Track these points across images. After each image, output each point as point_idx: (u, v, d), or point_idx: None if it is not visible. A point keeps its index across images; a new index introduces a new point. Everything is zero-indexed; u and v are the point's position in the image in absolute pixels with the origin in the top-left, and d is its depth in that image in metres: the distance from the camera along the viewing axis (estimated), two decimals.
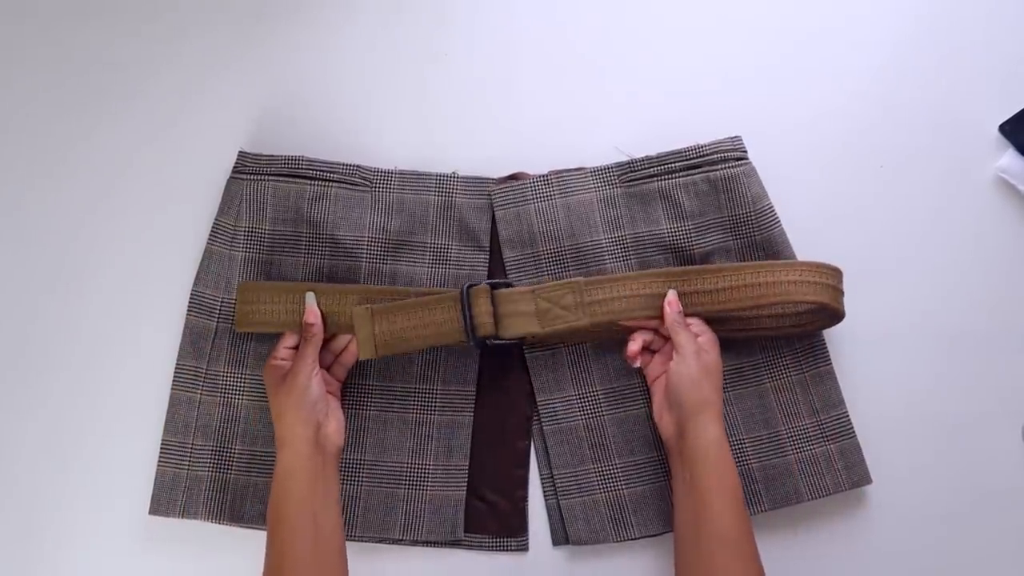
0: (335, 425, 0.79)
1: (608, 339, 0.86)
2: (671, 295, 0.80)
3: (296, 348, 0.82)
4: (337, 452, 0.79)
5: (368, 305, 0.81)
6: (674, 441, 0.78)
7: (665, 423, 0.79)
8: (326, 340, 0.82)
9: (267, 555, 0.75)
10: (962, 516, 0.85)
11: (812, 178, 0.89)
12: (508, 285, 0.84)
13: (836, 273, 0.81)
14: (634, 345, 0.82)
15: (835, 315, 0.82)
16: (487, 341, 0.83)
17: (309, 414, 0.77)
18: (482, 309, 0.81)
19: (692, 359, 0.78)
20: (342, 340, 0.83)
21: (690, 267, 0.82)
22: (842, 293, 0.81)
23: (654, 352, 0.83)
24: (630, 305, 0.81)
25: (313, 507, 0.75)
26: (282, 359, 0.81)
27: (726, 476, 0.75)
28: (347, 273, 0.86)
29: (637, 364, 0.82)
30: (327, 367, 0.83)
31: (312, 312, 0.81)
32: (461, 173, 0.88)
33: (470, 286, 0.82)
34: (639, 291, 0.81)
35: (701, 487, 0.75)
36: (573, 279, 0.81)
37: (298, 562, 0.73)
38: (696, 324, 0.81)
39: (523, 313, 0.82)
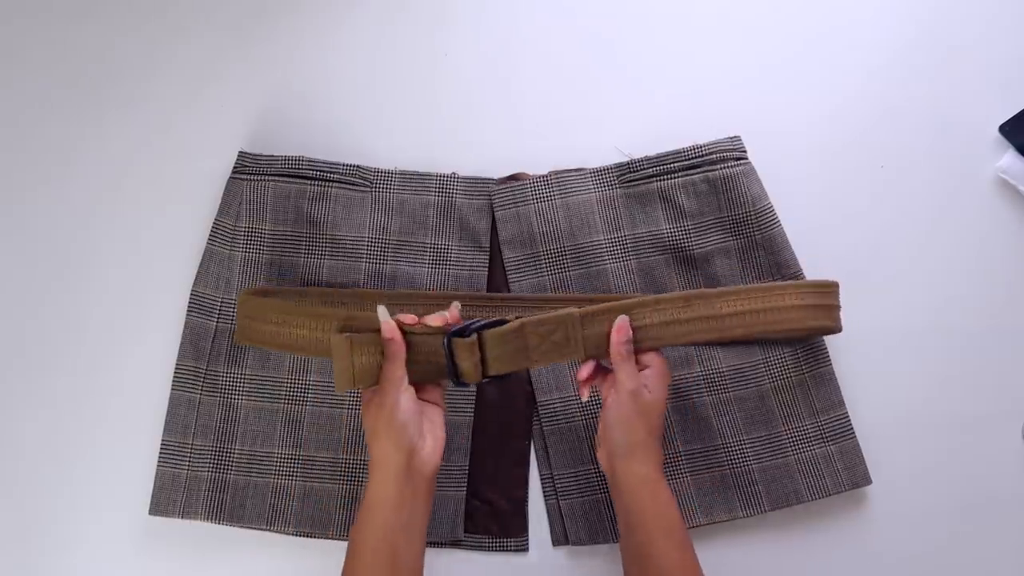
0: (431, 445, 0.72)
1: None
2: (620, 320, 0.74)
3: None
4: (434, 472, 0.73)
5: (348, 334, 0.71)
6: (609, 475, 0.75)
7: (600, 456, 0.76)
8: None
9: None
10: (962, 516, 0.85)
11: (813, 178, 0.89)
12: (501, 322, 0.75)
13: (834, 292, 0.81)
14: (584, 370, 0.76)
15: (832, 331, 0.82)
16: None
17: (400, 437, 0.70)
18: (466, 362, 0.74)
19: (627, 398, 0.73)
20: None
21: (689, 292, 0.76)
22: (839, 308, 0.81)
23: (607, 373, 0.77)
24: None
25: (395, 539, 0.69)
26: None
27: (660, 516, 0.72)
28: (347, 273, 0.86)
29: (585, 397, 0.77)
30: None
31: (389, 327, 0.72)
32: (461, 173, 0.88)
33: (453, 334, 0.73)
34: (636, 323, 0.75)
35: (636, 525, 0.72)
36: (567, 311, 0.74)
37: None
38: (649, 356, 0.75)
39: (513, 351, 0.74)
